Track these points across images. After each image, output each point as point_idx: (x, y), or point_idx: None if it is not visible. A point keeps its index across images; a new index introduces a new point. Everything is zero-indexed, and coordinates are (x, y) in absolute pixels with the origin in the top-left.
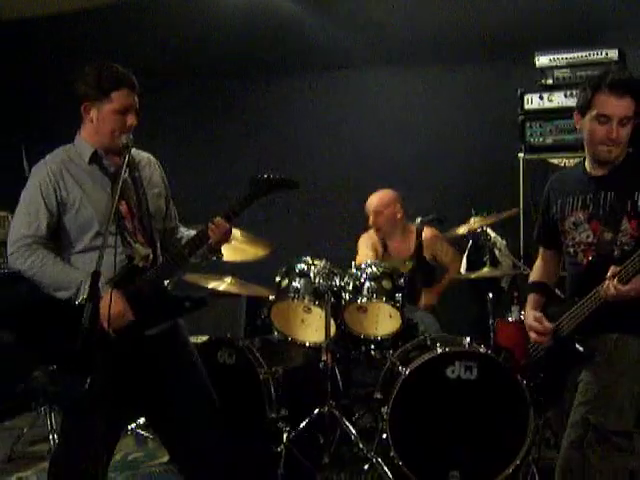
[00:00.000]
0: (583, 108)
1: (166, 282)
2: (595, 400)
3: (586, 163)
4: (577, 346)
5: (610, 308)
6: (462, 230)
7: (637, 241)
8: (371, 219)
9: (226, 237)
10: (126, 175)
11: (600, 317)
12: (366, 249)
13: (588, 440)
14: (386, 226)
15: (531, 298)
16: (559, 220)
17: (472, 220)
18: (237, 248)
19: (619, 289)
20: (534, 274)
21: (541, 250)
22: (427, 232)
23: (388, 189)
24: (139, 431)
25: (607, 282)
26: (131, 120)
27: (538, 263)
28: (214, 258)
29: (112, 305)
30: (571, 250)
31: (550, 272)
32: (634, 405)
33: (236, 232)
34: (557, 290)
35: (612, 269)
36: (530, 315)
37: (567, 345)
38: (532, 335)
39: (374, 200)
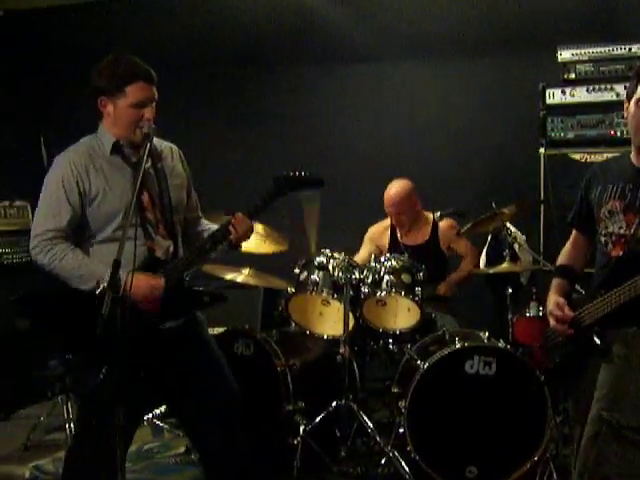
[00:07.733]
0: (629, 95)
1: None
2: (610, 396)
3: (632, 153)
4: (595, 339)
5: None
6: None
7: None
8: (393, 218)
9: (247, 234)
10: (148, 165)
11: (620, 310)
12: (365, 249)
13: (603, 436)
14: (408, 221)
15: (555, 282)
16: (596, 206)
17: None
18: (256, 241)
19: None
20: (562, 257)
21: (573, 233)
22: (444, 223)
23: (403, 181)
24: (156, 421)
25: None
26: (148, 113)
27: (567, 246)
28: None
29: (143, 281)
30: (602, 239)
31: (579, 258)
32: None
33: (257, 226)
34: (577, 286)
35: None
36: (552, 300)
37: (586, 336)
38: (551, 321)
39: (394, 199)
